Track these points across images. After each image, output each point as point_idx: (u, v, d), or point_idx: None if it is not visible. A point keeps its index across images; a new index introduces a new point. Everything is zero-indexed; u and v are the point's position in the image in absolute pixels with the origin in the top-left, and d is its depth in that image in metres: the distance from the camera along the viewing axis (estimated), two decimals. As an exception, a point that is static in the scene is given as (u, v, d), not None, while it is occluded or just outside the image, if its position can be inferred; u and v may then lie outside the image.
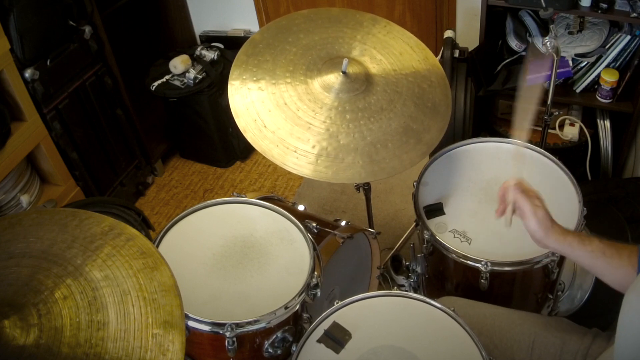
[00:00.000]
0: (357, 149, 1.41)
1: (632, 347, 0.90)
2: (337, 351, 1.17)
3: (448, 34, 2.29)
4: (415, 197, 1.50)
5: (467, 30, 2.52)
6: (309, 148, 1.40)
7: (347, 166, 1.39)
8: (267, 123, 1.43)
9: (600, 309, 1.71)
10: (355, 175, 1.39)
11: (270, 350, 1.31)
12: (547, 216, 1.12)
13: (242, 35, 2.93)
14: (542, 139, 1.91)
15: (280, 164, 1.39)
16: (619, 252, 1.05)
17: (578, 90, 2.21)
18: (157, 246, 1.38)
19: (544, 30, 2.14)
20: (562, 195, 1.44)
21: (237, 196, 1.55)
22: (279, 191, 2.66)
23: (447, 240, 1.39)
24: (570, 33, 2.15)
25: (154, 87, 2.54)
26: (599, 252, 1.07)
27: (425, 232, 1.44)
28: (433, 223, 1.44)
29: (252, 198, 1.54)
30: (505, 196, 1.16)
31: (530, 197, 1.13)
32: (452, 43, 2.24)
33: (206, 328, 1.23)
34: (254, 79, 1.50)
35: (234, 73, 1.51)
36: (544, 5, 1.61)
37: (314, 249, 1.39)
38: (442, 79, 1.58)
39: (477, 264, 1.35)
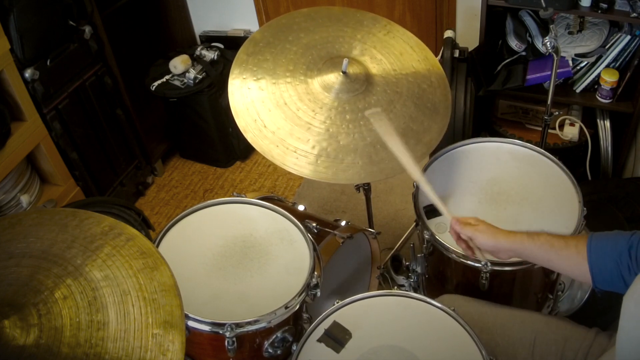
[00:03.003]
0: (357, 150, 1.41)
1: (633, 353, 0.91)
2: (337, 350, 1.17)
3: (448, 34, 2.29)
4: (415, 197, 1.50)
5: (467, 30, 2.52)
6: (309, 148, 1.40)
7: (346, 167, 1.39)
8: (267, 123, 1.43)
9: (600, 308, 1.71)
10: (354, 176, 1.39)
11: (270, 350, 1.31)
12: (489, 226, 1.19)
13: (242, 35, 2.93)
14: (542, 139, 1.91)
15: (280, 164, 1.39)
16: (566, 243, 1.10)
17: (578, 90, 2.21)
18: (157, 246, 1.38)
19: (544, 30, 2.14)
20: (562, 195, 1.45)
21: (237, 196, 1.55)
22: (279, 191, 2.66)
23: (447, 240, 1.39)
24: (570, 33, 2.15)
25: (154, 87, 2.54)
26: (547, 244, 1.12)
27: (425, 232, 1.44)
28: (433, 223, 1.44)
29: (252, 198, 1.54)
30: (460, 237, 1.23)
31: (468, 223, 1.21)
32: (452, 43, 2.24)
33: (206, 328, 1.23)
34: (254, 78, 1.50)
35: (234, 72, 1.51)
36: (544, 5, 1.61)
37: (314, 249, 1.39)
38: (442, 80, 1.58)
39: (477, 264, 1.35)
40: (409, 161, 1.29)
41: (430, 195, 1.29)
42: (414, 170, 1.30)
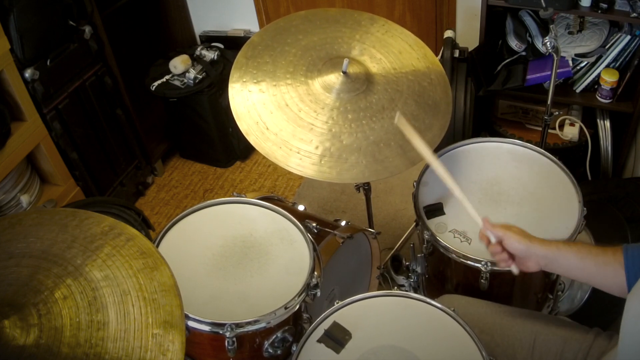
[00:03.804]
0: (360, 149, 1.41)
1: (635, 352, 0.90)
2: (337, 351, 1.17)
3: (448, 34, 2.29)
4: (415, 197, 1.50)
5: (467, 30, 2.52)
6: (312, 149, 1.40)
7: (350, 166, 1.39)
8: (269, 125, 1.43)
9: (600, 308, 1.70)
10: (359, 175, 1.39)
11: (270, 350, 1.31)
12: (522, 230, 1.15)
13: (242, 35, 2.93)
14: (542, 139, 1.91)
15: (284, 166, 1.39)
16: (604, 250, 1.07)
17: (578, 90, 2.21)
18: (157, 246, 1.38)
19: (544, 30, 2.14)
20: (562, 195, 1.45)
21: (237, 196, 1.55)
22: (279, 191, 2.66)
23: (447, 240, 1.39)
24: (570, 33, 2.15)
25: (154, 87, 2.54)
26: (586, 251, 1.08)
27: (425, 232, 1.44)
28: (433, 223, 1.44)
29: (252, 198, 1.54)
30: (489, 240, 1.17)
31: (500, 225, 1.16)
32: (452, 43, 2.24)
33: (206, 328, 1.23)
34: (255, 81, 1.50)
35: (234, 76, 1.51)
36: (544, 5, 1.61)
37: (314, 249, 1.39)
38: (441, 77, 1.58)
39: (477, 264, 1.35)
40: (438, 163, 1.25)
41: (459, 196, 1.24)
42: (441, 170, 1.25)
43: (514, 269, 1.15)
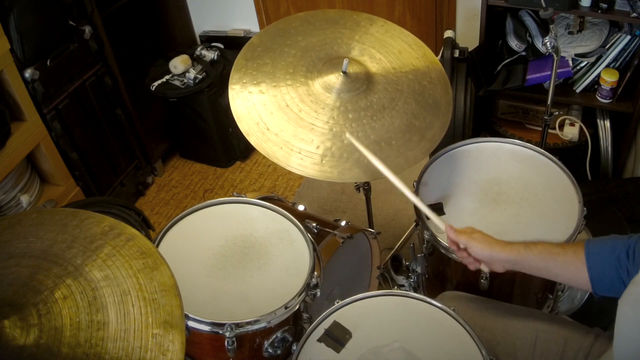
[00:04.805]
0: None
1: (631, 356, 0.91)
2: (337, 350, 1.17)
3: (448, 34, 2.30)
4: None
5: (467, 30, 2.52)
6: (313, 149, 1.40)
7: (352, 165, 1.39)
8: (270, 126, 1.43)
9: (600, 309, 1.70)
10: (360, 175, 1.39)
11: (270, 350, 1.31)
12: (485, 235, 1.18)
13: (242, 35, 2.93)
14: (542, 139, 1.91)
15: (285, 166, 1.39)
16: (564, 249, 1.10)
17: (578, 90, 2.21)
18: (157, 246, 1.38)
19: (544, 30, 2.14)
20: (562, 195, 1.44)
21: (237, 196, 1.55)
22: (279, 191, 2.66)
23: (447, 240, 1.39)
24: (570, 33, 2.15)
25: (154, 87, 2.55)
26: (546, 252, 1.11)
27: (425, 232, 1.44)
28: (433, 223, 1.44)
29: (252, 198, 1.54)
30: (460, 248, 1.21)
31: (463, 232, 1.20)
32: (452, 43, 2.24)
33: (206, 328, 1.23)
34: (255, 82, 1.50)
35: (234, 77, 1.51)
36: (544, 5, 1.61)
37: (314, 249, 1.39)
38: (441, 76, 1.58)
39: (477, 264, 1.35)
40: (395, 178, 1.29)
41: (420, 206, 1.29)
42: (401, 185, 1.29)
43: (484, 268, 1.19)
